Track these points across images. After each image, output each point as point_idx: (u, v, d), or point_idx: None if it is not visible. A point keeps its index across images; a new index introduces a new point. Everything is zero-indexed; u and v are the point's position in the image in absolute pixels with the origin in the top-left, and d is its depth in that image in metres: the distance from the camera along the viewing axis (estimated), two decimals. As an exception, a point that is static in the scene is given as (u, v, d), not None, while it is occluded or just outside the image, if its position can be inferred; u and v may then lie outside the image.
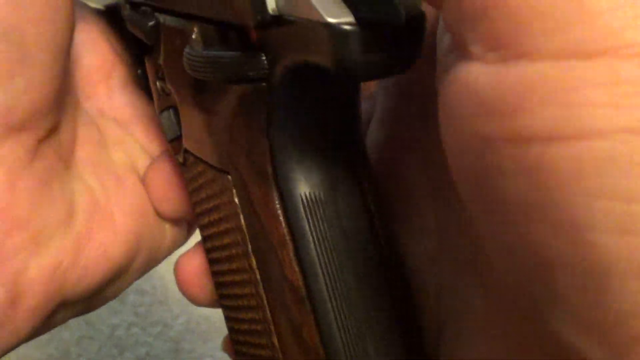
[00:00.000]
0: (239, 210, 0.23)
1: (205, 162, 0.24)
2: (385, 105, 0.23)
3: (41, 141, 0.24)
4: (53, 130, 0.24)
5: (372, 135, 0.24)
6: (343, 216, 0.22)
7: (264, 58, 0.19)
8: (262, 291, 0.22)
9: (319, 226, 0.21)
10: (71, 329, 0.62)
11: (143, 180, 0.28)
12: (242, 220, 0.23)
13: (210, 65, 0.21)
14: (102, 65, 0.28)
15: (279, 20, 0.18)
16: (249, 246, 0.22)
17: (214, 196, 0.24)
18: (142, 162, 0.28)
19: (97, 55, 0.28)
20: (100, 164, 0.27)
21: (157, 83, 0.26)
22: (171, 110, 0.26)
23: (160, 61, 0.25)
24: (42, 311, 0.24)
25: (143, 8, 0.25)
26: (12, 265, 0.23)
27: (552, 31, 0.13)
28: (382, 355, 0.21)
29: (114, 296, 0.28)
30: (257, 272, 0.22)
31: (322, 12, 0.17)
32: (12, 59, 0.22)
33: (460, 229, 0.21)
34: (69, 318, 0.26)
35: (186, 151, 0.25)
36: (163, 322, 0.61)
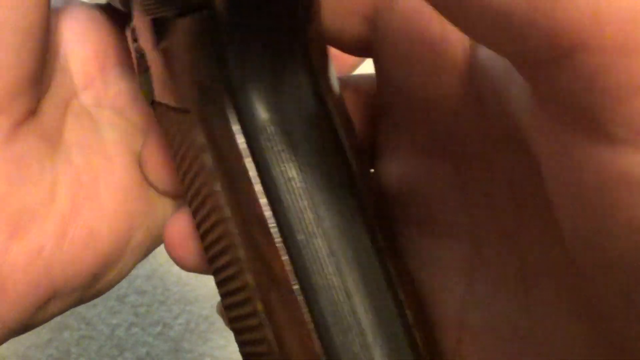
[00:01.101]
0: (205, 149, 0.22)
1: (171, 107, 0.23)
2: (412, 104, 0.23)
3: (19, 124, 0.24)
4: (32, 113, 0.24)
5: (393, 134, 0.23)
6: (313, 150, 0.21)
7: None
8: (234, 229, 0.21)
9: (287, 160, 0.21)
10: (71, 329, 0.62)
11: (139, 160, 0.27)
12: (209, 159, 0.22)
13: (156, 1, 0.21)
14: (95, 57, 0.28)
15: None
16: (218, 184, 0.22)
17: (183, 141, 0.23)
18: (139, 143, 0.28)
19: (90, 47, 0.28)
20: (89, 146, 0.26)
21: (133, 45, 0.26)
22: (148, 71, 0.25)
23: (133, 23, 0.25)
24: (28, 300, 0.23)
25: None
26: None
27: None
28: (364, 291, 0.21)
29: (120, 277, 0.28)
30: (226, 208, 0.22)
31: None
32: None
33: (502, 238, 0.19)
34: (67, 308, 0.26)
35: (158, 103, 0.25)
36: (163, 322, 0.61)
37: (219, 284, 0.23)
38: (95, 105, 0.28)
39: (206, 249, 0.23)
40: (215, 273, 0.23)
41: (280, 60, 0.21)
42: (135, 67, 0.27)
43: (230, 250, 0.22)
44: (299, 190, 0.21)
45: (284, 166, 0.21)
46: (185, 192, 0.24)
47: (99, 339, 0.62)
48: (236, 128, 0.21)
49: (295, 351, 0.20)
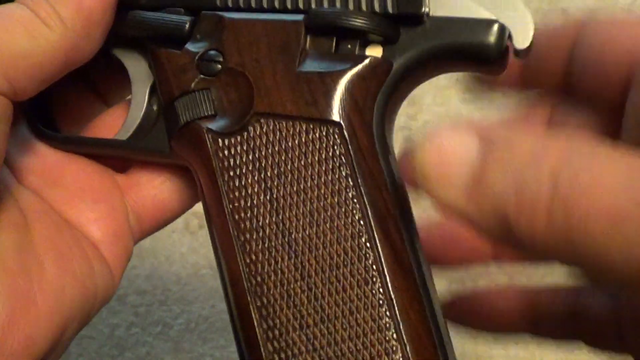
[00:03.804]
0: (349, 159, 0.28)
1: (306, 118, 0.28)
2: None
3: None
4: None
5: None
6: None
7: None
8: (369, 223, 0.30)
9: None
10: (71, 329, 0.62)
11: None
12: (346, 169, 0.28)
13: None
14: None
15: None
16: (351, 191, 0.28)
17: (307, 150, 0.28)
18: (65, 235, 0.29)
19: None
20: (21, 247, 0.27)
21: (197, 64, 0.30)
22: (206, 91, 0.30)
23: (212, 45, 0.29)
24: None
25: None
26: None
27: None
28: None
29: (57, 357, 0.29)
30: (365, 210, 0.29)
31: None
32: None
33: None
34: None
35: (261, 114, 0.28)
36: (163, 322, 0.62)
37: None
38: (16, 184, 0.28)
39: None
40: None
41: None
42: (172, 85, 0.30)
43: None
44: None
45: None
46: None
47: (99, 339, 0.62)
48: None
49: None
